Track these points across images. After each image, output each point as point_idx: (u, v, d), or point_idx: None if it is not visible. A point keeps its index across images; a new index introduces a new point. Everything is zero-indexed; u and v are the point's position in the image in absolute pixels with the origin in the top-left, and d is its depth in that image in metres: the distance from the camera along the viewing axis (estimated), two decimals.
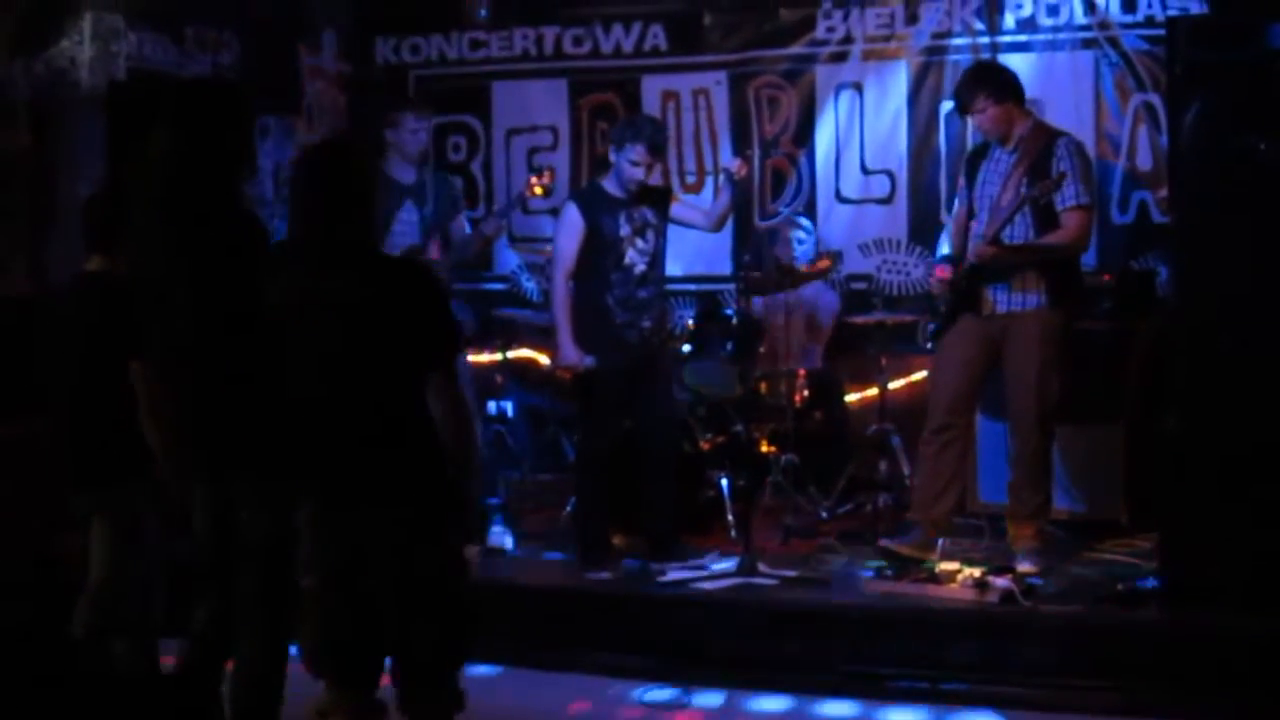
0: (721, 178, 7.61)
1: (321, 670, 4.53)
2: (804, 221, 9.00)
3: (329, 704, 4.50)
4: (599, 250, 7.25)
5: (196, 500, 5.04)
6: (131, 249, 5.05)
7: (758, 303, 8.49)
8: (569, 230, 7.29)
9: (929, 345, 7.28)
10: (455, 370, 4.58)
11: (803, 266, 8.47)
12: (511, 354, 9.35)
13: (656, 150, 7.32)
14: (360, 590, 4.41)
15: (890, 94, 9.18)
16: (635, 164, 7.20)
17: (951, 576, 6.71)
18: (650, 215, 7.34)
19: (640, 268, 7.30)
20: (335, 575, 4.44)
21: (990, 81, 7.00)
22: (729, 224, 8.07)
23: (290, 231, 4.51)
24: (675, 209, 7.50)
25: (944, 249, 7.38)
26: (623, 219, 7.26)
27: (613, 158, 7.30)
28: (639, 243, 7.29)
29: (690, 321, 8.40)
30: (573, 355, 7.23)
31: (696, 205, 7.93)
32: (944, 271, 7.12)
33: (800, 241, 8.82)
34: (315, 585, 4.48)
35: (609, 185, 7.34)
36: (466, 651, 4.55)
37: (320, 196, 4.42)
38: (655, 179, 7.41)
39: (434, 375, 4.44)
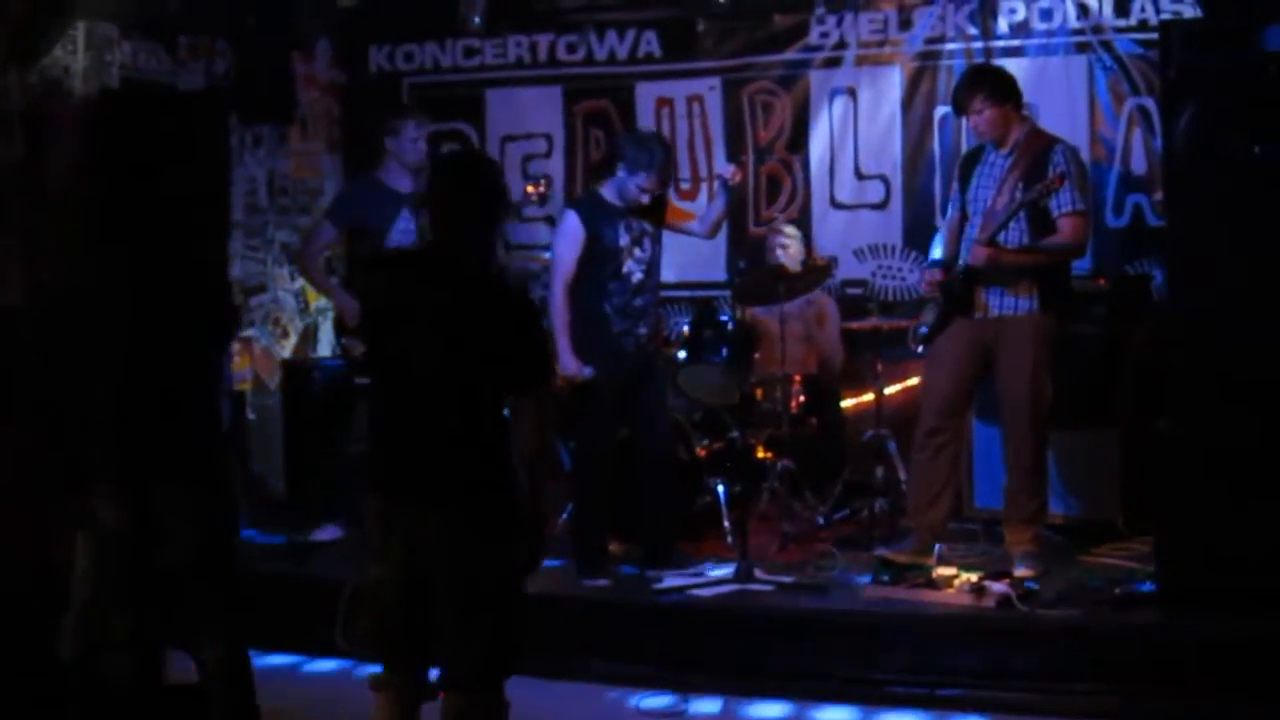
0: (716, 184, 7.60)
1: (368, 655, 4.76)
2: (787, 229, 8.98)
3: (380, 681, 4.68)
4: (598, 259, 7.23)
5: (114, 509, 5.01)
6: (57, 259, 5.10)
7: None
8: (569, 239, 7.26)
9: (918, 349, 7.27)
10: (541, 399, 4.69)
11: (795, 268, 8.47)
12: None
13: (666, 182, 7.34)
14: (416, 584, 4.56)
15: (884, 99, 9.18)
16: (643, 189, 7.19)
17: (948, 582, 6.72)
18: (647, 224, 7.33)
19: (638, 276, 7.29)
20: (394, 567, 4.58)
21: (988, 83, 7.01)
22: (723, 230, 8.06)
23: (421, 235, 4.63)
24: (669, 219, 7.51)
25: (936, 253, 7.37)
26: (622, 228, 7.24)
27: (620, 173, 7.26)
28: (637, 251, 7.28)
29: (685, 328, 8.39)
30: (572, 366, 7.21)
31: (691, 211, 7.92)
32: (934, 275, 7.13)
33: (783, 247, 8.79)
34: (375, 574, 4.63)
35: (608, 194, 7.32)
36: (509, 664, 4.66)
37: (459, 207, 4.61)
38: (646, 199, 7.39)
39: (520, 399, 4.63)
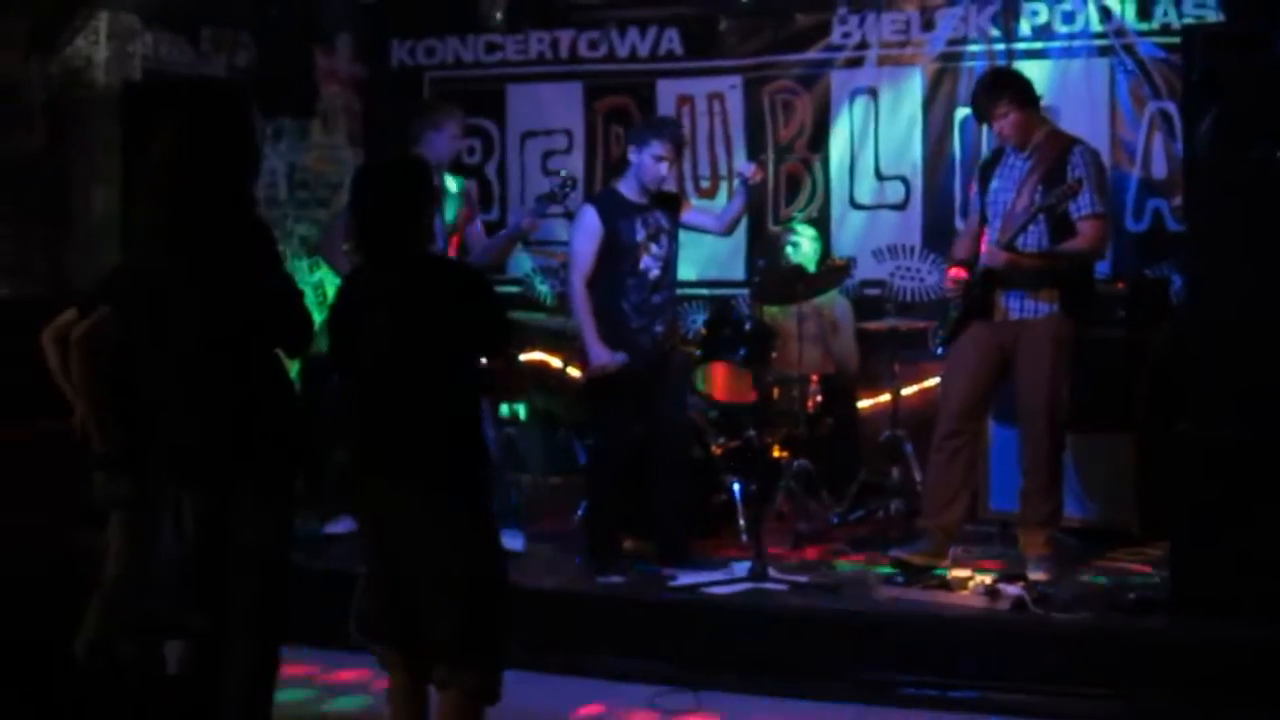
0: (736, 182, 7.59)
1: (376, 640, 4.89)
2: (800, 228, 8.98)
3: (389, 658, 4.88)
4: (615, 255, 7.23)
5: (187, 503, 5.03)
6: (133, 248, 5.08)
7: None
8: (587, 234, 7.26)
9: (939, 350, 7.25)
10: (510, 360, 4.99)
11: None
12: (523, 357, 9.35)
13: (679, 146, 7.33)
14: (400, 565, 4.72)
15: (905, 100, 9.18)
16: (659, 159, 7.17)
17: (962, 583, 6.72)
18: (664, 220, 7.33)
19: (654, 273, 7.28)
20: (378, 551, 4.80)
21: (1011, 86, 6.97)
22: (742, 228, 8.05)
23: (354, 240, 4.97)
24: (686, 215, 7.50)
25: (957, 254, 7.36)
26: (639, 224, 7.25)
27: (633, 158, 7.27)
28: (653, 248, 7.28)
29: (703, 326, 8.38)
30: (603, 355, 7.17)
31: (708, 210, 7.93)
32: (958, 271, 7.11)
33: (795, 246, 8.80)
34: (369, 558, 4.86)
35: (625, 189, 7.33)
36: (490, 642, 4.73)
37: (384, 208, 4.79)
38: (670, 184, 7.39)
39: (491, 362, 4.82)
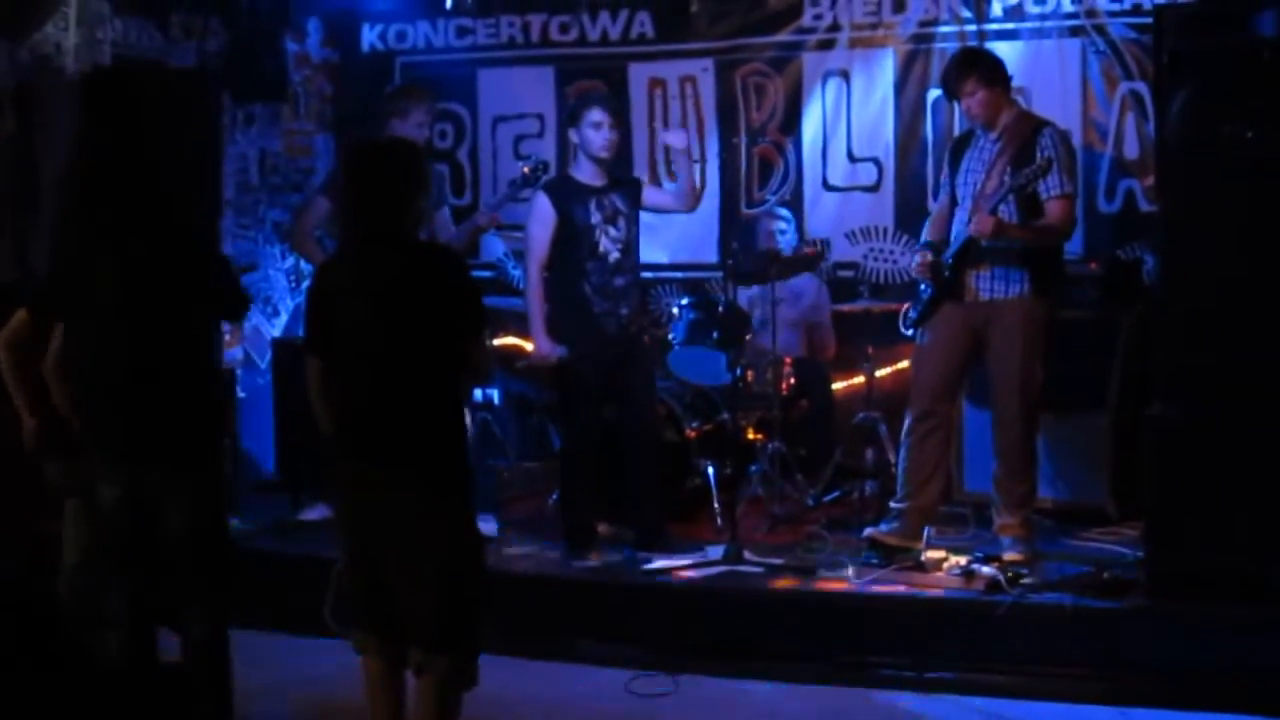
0: (672, 156, 7.61)
1: (353, 625, 4.86)
2: (783, 212, 8.98)
3: (366, 644, 4.83)
4: (572, 239, 7.25)
5: (106, 488, 5.02)
6: (58, 234, 5.10)
7: (745, 293, 8.52)
8: (540, 220, 7.30)
9: (909, 332, 7.25)
10: (482, 346, 4.98)
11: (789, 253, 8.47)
12: (497, 342, 9.32)
13: (612, 110, 7.34)
14: (385, 548, 4.69)
15: (877, 82, 9.15)
16: (598, 126, 7.22)
17: (937, 565, 6.74)
18: (620, 203, 7.34)
19: (614, 255, 7.29)
20: (363, 534, 4.74)
21: (980, 64, 6.98)
22: (714, 211, 8.01)
23: (342, 220, 4.95)
24: (645, 195, 7.51)
25: (926, 236, 7.36)
26: (593, 206, 7.26)
27: (574, 138, 7.32)
28: (611, 230, 7.29)
29: (676, 309, 8.38)
30: (545, 346, 7.26)
31: (665, 190, 7.92)
32: (926, 257, 7.11)
33: (782, 232, 8.81)
34: (348, 543, 4.81)
35: (578, 173, 7.36)
36: (468, 628, 4.73)
37: (379, 189, 4.75)
38: (639, 172, 7.39)
39: (466, 349, 4.77)
